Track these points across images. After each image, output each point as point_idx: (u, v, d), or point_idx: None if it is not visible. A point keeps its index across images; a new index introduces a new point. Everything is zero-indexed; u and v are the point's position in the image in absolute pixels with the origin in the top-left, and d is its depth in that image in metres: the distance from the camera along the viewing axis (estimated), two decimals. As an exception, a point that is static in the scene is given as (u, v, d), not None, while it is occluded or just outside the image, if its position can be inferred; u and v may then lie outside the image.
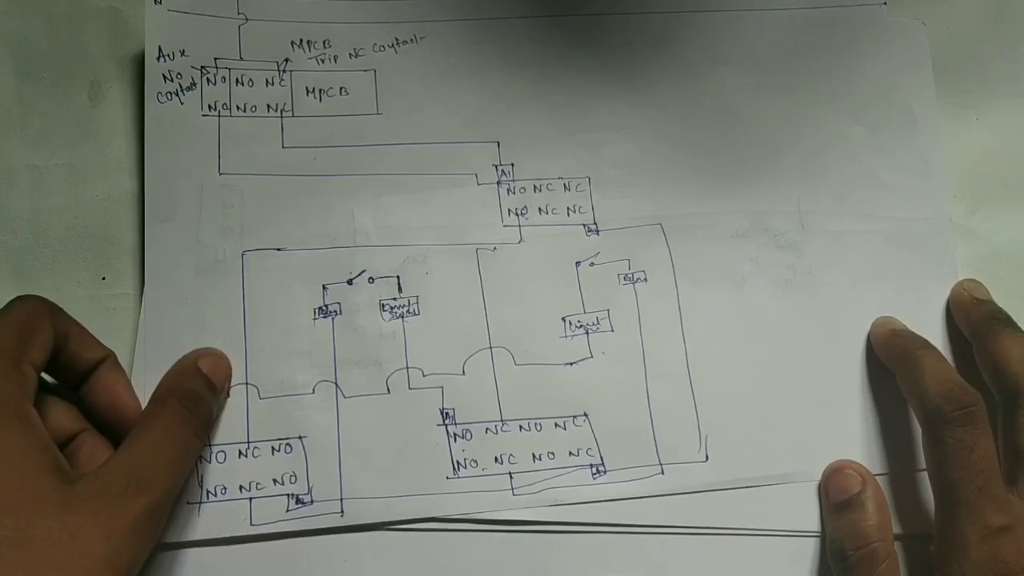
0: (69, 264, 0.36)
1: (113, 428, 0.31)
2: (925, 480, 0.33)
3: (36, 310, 0.30)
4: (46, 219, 0.36)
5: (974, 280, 0.37)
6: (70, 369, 0.31)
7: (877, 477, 0.34)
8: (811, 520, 0.34)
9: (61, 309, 0.31)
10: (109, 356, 0.32)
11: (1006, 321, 0.35)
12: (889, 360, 0.35)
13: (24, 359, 0.28)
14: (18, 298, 0.30)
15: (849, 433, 0.36)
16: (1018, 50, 0.42)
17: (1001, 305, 0.36)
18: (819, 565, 0.34)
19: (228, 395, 0.33)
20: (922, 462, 0.33)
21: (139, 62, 0.36)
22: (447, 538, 0.33)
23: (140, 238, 0.35)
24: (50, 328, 0.30)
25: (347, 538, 0.33)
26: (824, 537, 0.34)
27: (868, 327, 0.37)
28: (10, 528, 0.25)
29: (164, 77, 0.36)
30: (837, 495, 0.33)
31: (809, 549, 0.34)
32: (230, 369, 0.33)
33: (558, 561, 0.33)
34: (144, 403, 0.32)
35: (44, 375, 0.31)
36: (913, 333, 0.35)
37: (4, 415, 0.27)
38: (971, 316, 0.36)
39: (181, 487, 0.29)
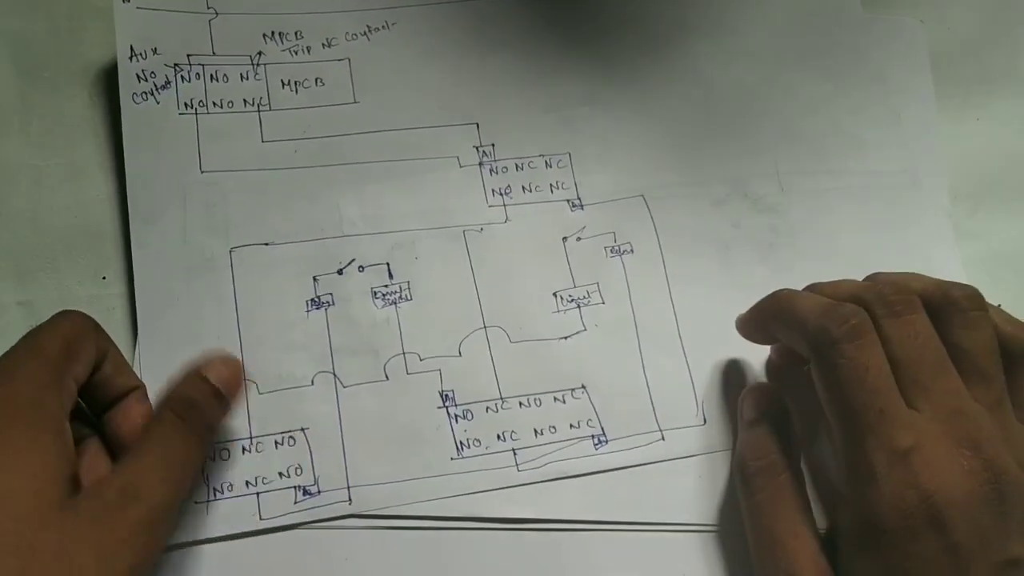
0: (69, 264, 0.35)
1: None
2: None
3: (82, 324, 0.29)
4: (46, 219, 0.36)
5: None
6: (99, 392, 0.31)
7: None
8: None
9: (103, 329, 0.31)
10: (140, 388, 0.32)
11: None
12: (763, 322, 0.33)
13: (68, 372, 0.28)
14: (63, 312, 0.30)
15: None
16: (1018, 50, 0.42)
17: (1003, 306, 0.35)
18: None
19: (242, 394, 0.32)
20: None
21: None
22: (450, 536, 0.33)
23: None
24: (94, 345, 0.29)
25: (352, 535, 0.33)
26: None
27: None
28: (12, 534, 0.25)
29: (138, 77, 0.36)
30: (749, 412, 0.33)
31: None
32: (239, 371, 0.32)
33: (562, 559, 0.33)
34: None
35: None
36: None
37: (40, 428, 0.27)
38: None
39: (184, 495, 0.29)
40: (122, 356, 0.31)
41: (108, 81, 0.37)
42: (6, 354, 0.28)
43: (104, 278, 0.35)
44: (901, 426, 0.27)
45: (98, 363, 0.30)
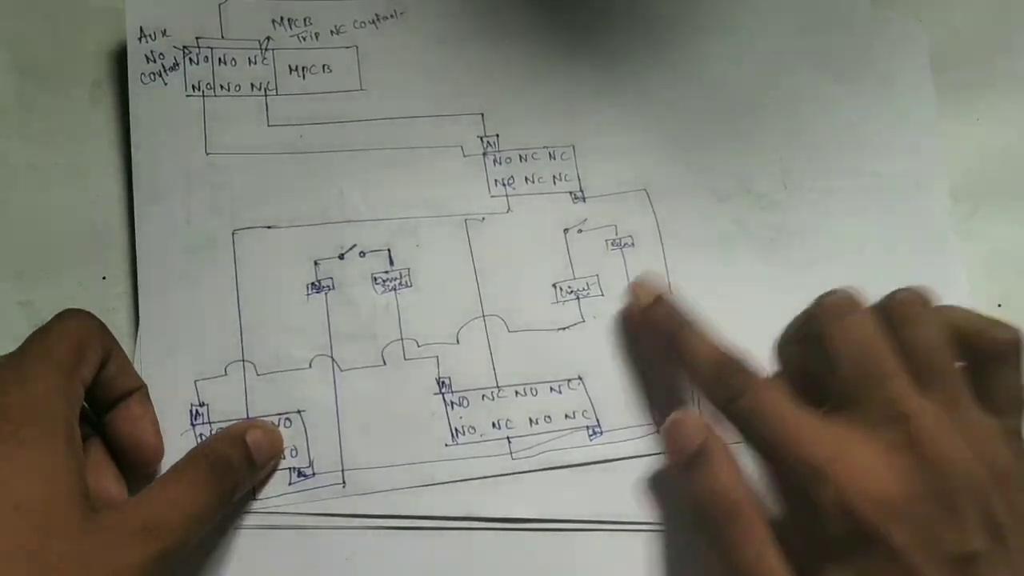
0: (69, 263, 0.35)
1: (130, 460, 0.31)
2: None
3: (88, 325, 0.29)
4: (46, 218, 0.36)
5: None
6: (102, 392, 0.31)
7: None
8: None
9: (108, 329, 0.31)
10: (141, 388, 0.32)
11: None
12: (658, 339, 0.34)
13: (77, 376, 0.28)
14: (69, 311, 0.30)
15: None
16: (1018, 50, 0.42)
17: (1003, 306, 0.35)
18: None
19: (275, 469, 0.33)
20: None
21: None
22: (450, 536, 0.33)
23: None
24: (100, 346, 0.29)
25: (352, 535, 0.32)
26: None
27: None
28: (31, 543, 0.25)
29: (147, 58, 0.36)
30: (679, 454, 0.31)
31: None
32: (279, 445, 0.33)
33: (562, 559, 0.33)
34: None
35: None
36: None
37: (52, 431, 0.27)
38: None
39: (199, 537, 0.29)
40: (125, 356, 0.32)
41: (108, 80, 0.37)
42: (15, 357, 0.28)
43: (104, 278, 0.35)
44: (814, 442, 0.28)
45: (103, 363, 0.30)
